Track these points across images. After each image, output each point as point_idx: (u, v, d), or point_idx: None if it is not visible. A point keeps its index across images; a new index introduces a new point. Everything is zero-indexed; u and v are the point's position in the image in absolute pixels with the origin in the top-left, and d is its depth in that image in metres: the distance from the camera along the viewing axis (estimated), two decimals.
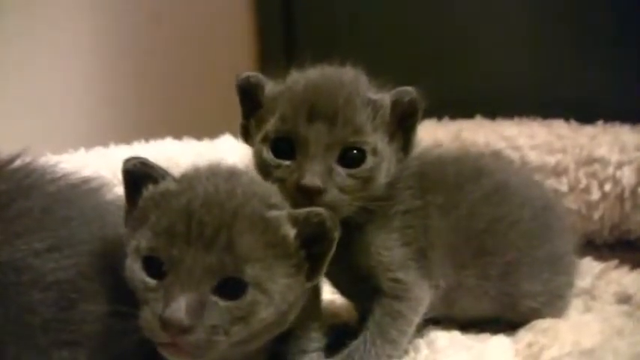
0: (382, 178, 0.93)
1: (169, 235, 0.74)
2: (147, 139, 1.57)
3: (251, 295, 0.74)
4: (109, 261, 0.82)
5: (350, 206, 0.91)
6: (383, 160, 0.93)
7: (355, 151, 0.91)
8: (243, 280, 0.74)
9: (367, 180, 0.91)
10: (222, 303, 0.73)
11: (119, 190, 0.86)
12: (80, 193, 0.88)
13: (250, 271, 0.74)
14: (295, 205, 0.84)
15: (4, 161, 0.84)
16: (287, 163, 0.90)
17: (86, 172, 0.94)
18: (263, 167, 0.92)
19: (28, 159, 0.86)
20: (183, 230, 0.74)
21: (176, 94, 1.99)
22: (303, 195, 0.86)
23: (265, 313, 0.75)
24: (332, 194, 0.88)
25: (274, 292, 0.76)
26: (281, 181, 0.88)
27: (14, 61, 1.62)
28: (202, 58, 2.04)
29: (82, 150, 1.48)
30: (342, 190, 0.89)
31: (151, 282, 0.75)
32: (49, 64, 1.71)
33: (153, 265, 0.75)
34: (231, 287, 0.74)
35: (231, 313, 0.73)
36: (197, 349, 0.72)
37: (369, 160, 0.91)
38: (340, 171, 0.90)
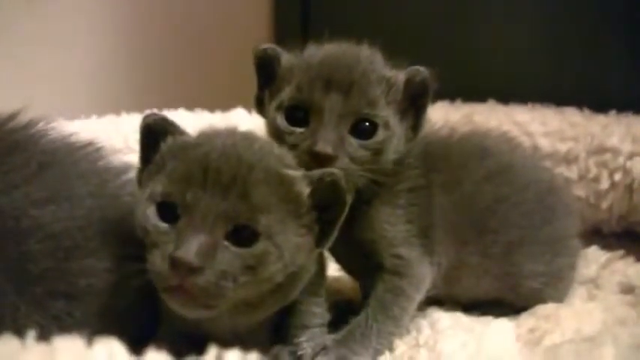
0: (391, 153, 0.95)
1: (185, 181, 0.75)
2: (159, 109, 1.57)
3: (263, 244, 0.75)
4: (107, 218, 0.83)
5: (360, 177, 0.92)
6: (393, 135, 0.94)
7: (367, 123, 0.92)
8: (257, 229, 0.75)
9: (377, 152, 0.92)
10: (233, 249, 0.74)
11: (129, 158, 0.86)
12: (79, 154, 0.88)
13: (264, 221, 0.75)
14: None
15: (2, 119, 0.84)
16: (300, 130, 0.92)
17: (97, 138, 0.94)
18: (276, 134, 0.93)
19: (27, 118, 0.86)
20: (200, 176, 0.75)
21: (190, 66, 1.99)
22: (314, 161, 0.87)
23: (274, 267, 0.76)
24: (343, 162, 0.89)
25: (284, 248, 0.76)
26: (293, 148, 0.89)
27: (29, 28, 1.62)
28: (217, 32, 2.04)
29: (94, 117, 1.49)
30: (352, 159, 0.91)
31: (164, 226, 0.75)
32: (64, 31, 1.71)
33: (167, 211, 0.76)
34: (244, 235, 0.75)
35: (241, 260, 0.74)
36: (204, 294, 0.72)
37: (381, 133, 0.92)
38: (352, 141, 0.91)
